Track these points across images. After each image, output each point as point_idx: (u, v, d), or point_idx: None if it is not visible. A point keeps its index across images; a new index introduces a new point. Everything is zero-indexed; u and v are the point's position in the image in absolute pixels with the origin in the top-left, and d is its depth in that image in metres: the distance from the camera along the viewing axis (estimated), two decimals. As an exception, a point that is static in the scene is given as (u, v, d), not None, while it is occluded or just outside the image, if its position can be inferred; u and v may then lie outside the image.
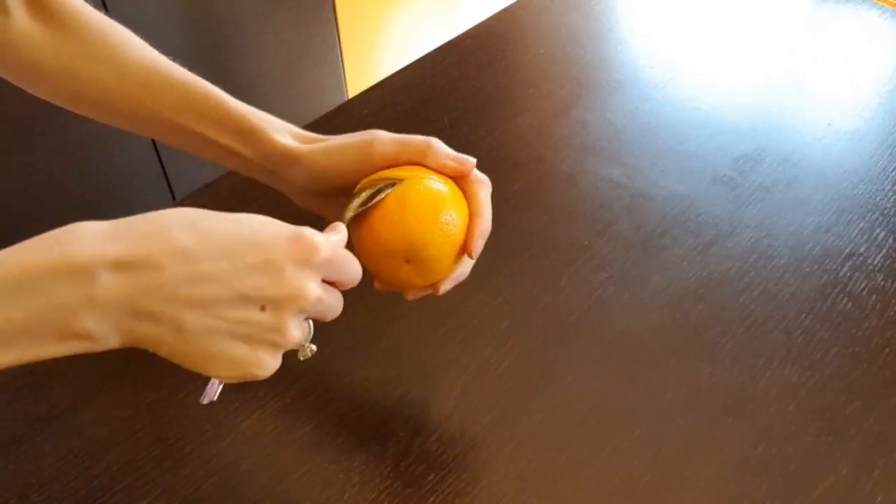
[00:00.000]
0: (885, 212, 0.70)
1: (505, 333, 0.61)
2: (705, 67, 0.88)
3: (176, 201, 0.73)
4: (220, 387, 0.45)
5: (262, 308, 0.39)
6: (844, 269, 0.65)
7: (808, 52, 0.91)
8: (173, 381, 0.58)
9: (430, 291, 0.51)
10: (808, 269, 0.65)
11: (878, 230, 0.68)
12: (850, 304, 0.62)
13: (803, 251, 0.67)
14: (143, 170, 1.36)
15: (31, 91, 0.55)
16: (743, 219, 0.70)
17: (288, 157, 0.52)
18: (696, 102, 0.83)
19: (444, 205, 0.48)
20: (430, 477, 0.53)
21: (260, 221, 0.41)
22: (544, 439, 0.54)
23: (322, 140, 0.53)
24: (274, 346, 0.41)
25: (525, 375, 0.58)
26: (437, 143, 0.50)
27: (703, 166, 0.75)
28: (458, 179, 0.50)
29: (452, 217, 0.48)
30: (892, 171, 0.74)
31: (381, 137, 0.50)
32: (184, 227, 0.38)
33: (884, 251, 0.66)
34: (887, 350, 0.59)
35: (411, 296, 0.52)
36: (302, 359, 0.45)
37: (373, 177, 0.49)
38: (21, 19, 0.52)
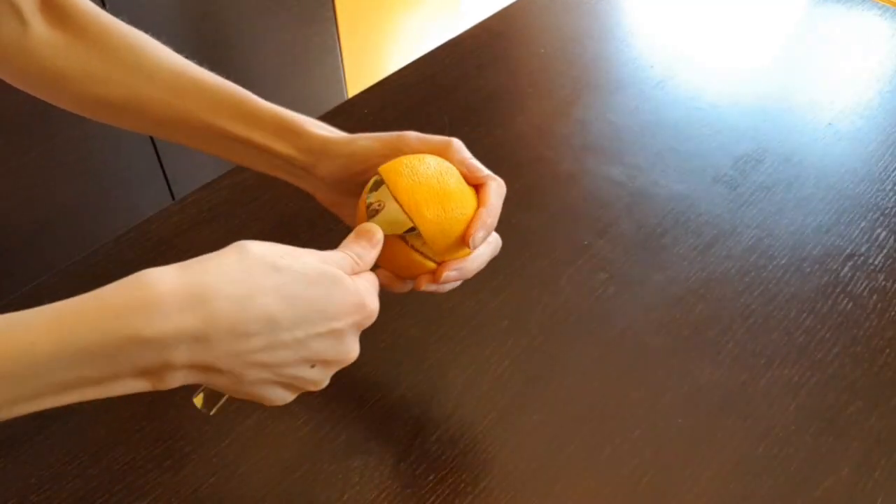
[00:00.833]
0: (886, 211, 0.70)
1: (505, 333, 0.61)
2: (706, 67, 0.88)
3: (175, 201, 0.73)
4: (225, 399, 0.45)
5: (312, 366, 0.42)
6: (845, 269, 0.65)
7: (808, 52, 0.91)
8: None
9: (432, 283, 0.51)
10: (808, 269, 0.65)
11: (878, 230, 0.68)
12: (850, 305, 0.62)
13: (804, 251, 0.67)
14: (142, 170, 1.36)
15: (54, 101, 0.55)
16: (743, 218, 0.70)
17: (325, 147, 0.52)
18: (696, 102, 0.83)
19: (447, 192, 0.48)
20: (430, 477, 0.53)
21: (332, 281, 0.41)
22: (544, 439, 0.54)
23: (353, 136, 0.54)
24: (302, 391, 0.44)
25: (525, 375, 0.58)
26: (457, 144, 0.51)
27: (703, 166, 0.75)
28: (471, 180, 0.51)
29: (456, 203, 0.48)
30: (893, 170, 0.74)
31: (410, 135, 0.51)
32: (272, 293, 0.38)
33: (885, 251, 0.66)
34: (888, 350, 0.59)
35: (417, 284, 0.51)
36: None
37: (383, 168, 0.50)
38: (39, 28, 0.52)
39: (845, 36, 0.93)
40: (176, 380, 0.37)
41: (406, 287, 0.51)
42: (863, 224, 0.69)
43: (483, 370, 0.58)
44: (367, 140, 0.52)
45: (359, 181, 0.51)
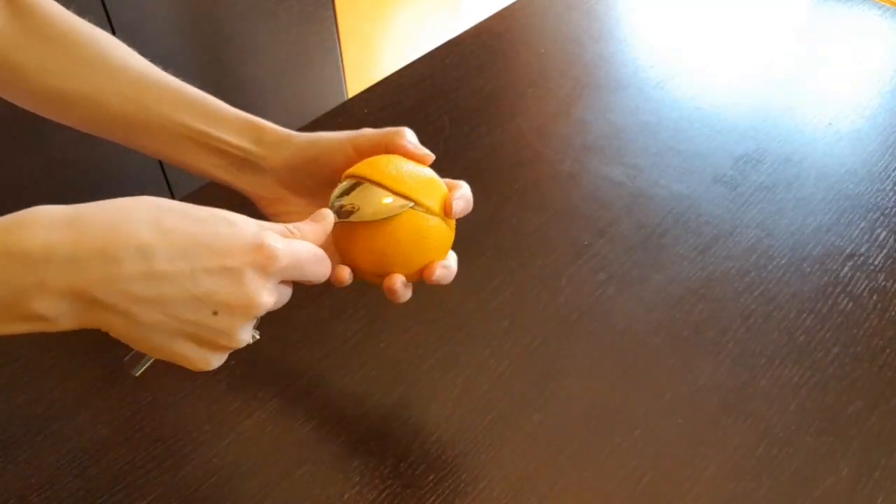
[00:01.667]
0: (886, 211, 0.70)
1: (505, 333, 0.61)
2: (706, 67, 0.88)
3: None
4: (150, 362, 0.43)
5: (215, 313, 0.39)
6: (845, 269, 0.65)
7: (808, 52, 0.91)
8: (173, 381, 0.58)
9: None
10: (808, 269, 0.65)
11: (878, 230, 0.68)
12: (850, 304, 0.62)
13: (804, 251, 0.67)
14: (143, 170, 1.36)
15: (6, 95, 0.55)
16: (744, 218, 0.70)
17: (284, 141, 0.53)
18: (696, 102, 0.83)
19: (403, 233, 0.47)
20: (430, 477, 0.52)
21: (225, 221, 0.40)
22: (544, 439, 0.54)
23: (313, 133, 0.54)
24: (221, 348, 0.41)
25: (525, 375, 0.58)
26: (406, 131, 0.51)
27: (703, 166, 0.75)
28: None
29: (433, 220, 0.47)
30: (893, 170, 0.74)
31: (365, 132, 0.51)
32: (146, 222, 0.37)
33: (885, 251, 0.66)
34: (888, 350, 0.59)
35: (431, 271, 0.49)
36: (250, 341, 0.43)
37: (355, 169, 0.49)
38: (1, 24, 0.52)
39: (845, 36, 0.93)
40: (61, 313, 0.37)
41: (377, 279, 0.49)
42: (863, 224, 0.69)
43: (483, 370, 0.58)
44: (322, 136, 0.52)
45: (311, 172, 0.52)
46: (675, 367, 0.58)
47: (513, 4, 0.99)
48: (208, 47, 1.36)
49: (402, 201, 0.46)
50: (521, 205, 0.71)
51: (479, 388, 0.57)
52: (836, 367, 0.58)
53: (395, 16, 2.00)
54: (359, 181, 0.48)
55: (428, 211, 0.47)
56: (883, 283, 0.64)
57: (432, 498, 0.51)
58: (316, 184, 0.52)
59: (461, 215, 0.48)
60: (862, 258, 0.66)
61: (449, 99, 0.84)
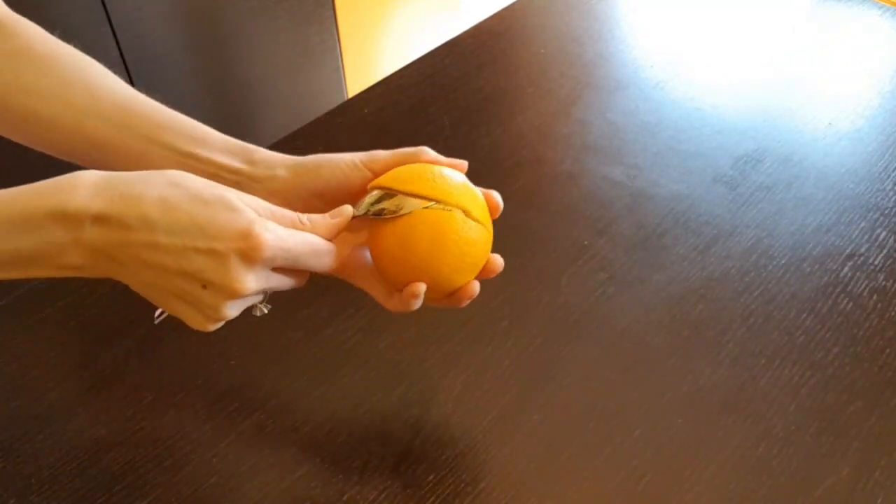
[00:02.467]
0: (886, 212, 0.70)
1: (505, 333, 0.61)
2: (706, 67, 0.88)
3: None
4: (165, 315, 0.47)
5: (204, 286, 0.43)
6: (845, 270, 0.65)
7: (808, 52, 0.91)
8: (173, 381, 0.58)
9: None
10: (808, 269, 0.65)
11: (879, 230, 0.68)
12: (850, 305, 0.62)
13: (804, 251, 0.67)
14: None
15: None
16: (743, 218, 0.70)
17: (277, 160, 0.52)
18: (696, 102, 0.83)
19: (451, 234, 0.46)
20: (430, 477, 0.52)
21: (226, 206, 0.42)
22: (544, 439, 0.54)
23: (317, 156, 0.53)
24: (212, 318, 0.44)
25: (525, 375, 0.58)
26: (428, 151, 0.50)
27: (703, 166, 0.75)
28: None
29: (467, 237, 0.46)
30: (893, 170, 0.74)
31: (378, 154, 0.51)
32: (156, 197, 0.42)
33: (885, 251, 0.66)
34: (888, 350, 0.59)
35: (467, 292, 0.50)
36: (257, 315, 0.46)
37: (383, 180, 0.48)
38: None
39: (846, 35, 0.93)
40: (88, 265, 0.43)
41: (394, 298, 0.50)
42: (863, 224, 0.69)
43: (483, 370, 0.58)
44: (338, 157, 0.52)
45: (321, 194, 0.51)
46: (675, 367, 0.58)
47: (513, 4, 0.99)
48: (208, 47, 1.36)
49: (447, 206, 0.46)
50: (521, 205, 0.71)
51: (479, 388, 0.57)
52: (836, 367, 0.58)
53: (394, 16, 2.00)
54: (390, 192, 0.47)
55: (470, 216, 0.46)
56: (883, 283, 0.64)
57: (432, 498, 0.51)
58: (328, 205, 0.51)
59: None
60: (862, 258, 0.66)
61: (449, 99, 0.84)
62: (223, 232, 0.42)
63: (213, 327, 0.45)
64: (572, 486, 0.52)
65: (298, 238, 0.44)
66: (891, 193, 0.72)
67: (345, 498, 0.52)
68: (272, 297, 0.46)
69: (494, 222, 0.50)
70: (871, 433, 0.54)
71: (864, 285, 0.64)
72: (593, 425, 0.55)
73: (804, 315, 0.62)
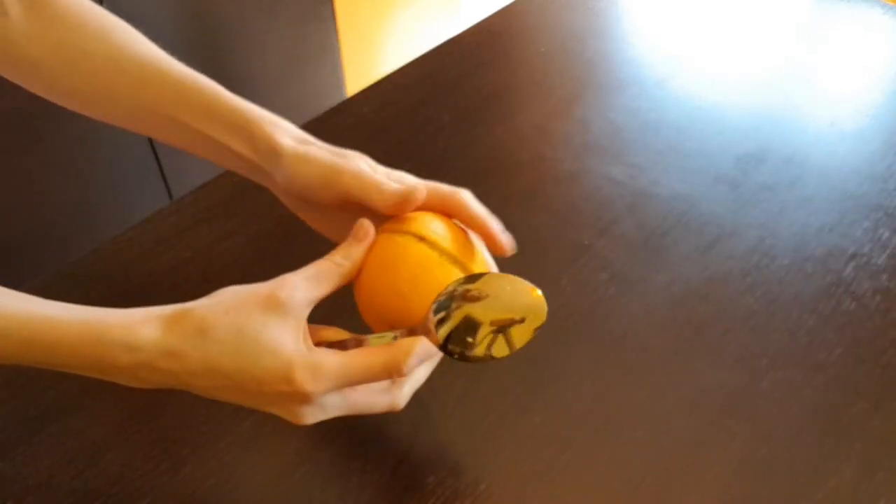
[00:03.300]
0: (890, 211, 0.69)
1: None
2: (708, 66, 0.88)
3: (173, 201, 0.73)
4: None
5: (273, 407, 0.44)
6: (848, 270, 0.65)
7: (811, 51, 0.90)
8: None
9: None
10: (811, 270, 0.65)
11: (882, 230, 0.68)
12: (853, 305, 0.62)
13: (807, 251, 0.66)
14: (140, 170, 1.36)
15: (28, 87, 0.55)
16: (746, 218, 0.69)
17: (273, 153, 0.50)
18: (698, 101, 0.83)
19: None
20: (430, 479, 0.52)
21: (258, 351, 0.42)
22: (545, 440, 0.54)
23: (313, 144, 0.51)
24: (296, 422, 0.44)
25: (525, 376, 0.58)
26: (466, 197, 0.47)
27: (705, 165, 0.75)
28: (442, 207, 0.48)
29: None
30: (896, 170, 0.74)
31: (351, 171, 0.48)
32: (199, 357, 0.42)
33: (888, 251, 0.66)
34: (891, 351, 0.59)
35: None
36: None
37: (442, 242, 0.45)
38: (18, 17, 0.52)
39: (848, 34, 0.92)
40: (157, 383, 0.45)
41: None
42: (866, 224, 0.68)
43: (483, 371, 0.58)
44: (309, 157, 0.49)
45: (302, 196, 0.50)
46: (677, 368, 0.58)
47: (513, 3, 0.99)
48: (208, 46, 1.36)
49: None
50: (521, 205, 0.71)
51: (480, 389, 0.57)
52: (838, 368, 0.58)
53: (394, 15, 1.99)
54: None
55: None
56: (886, 284, 0.63)
57: (432, 499, 0.51)
58: (309, 199, 0.50)
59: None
60: (865, 258, 0.65)
61: (449, 98, 0.83)
62: (263, 377, 0.42)
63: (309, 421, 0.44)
64: (573, 488, 0.52)
65: (345, 367, 0.42)
66: (894, 193, 0.71)
67: (345, 498, 0.51)
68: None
69: None
70: (874, 435, 0.54)
71: (867, 285, 0.63)
72: (594, 426, 0.55)
73: (807, 315, 0.61)
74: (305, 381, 0.41)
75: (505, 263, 0.66)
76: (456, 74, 0.86)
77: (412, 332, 0.43)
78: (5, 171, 1.19)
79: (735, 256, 0.66)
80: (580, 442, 0.54)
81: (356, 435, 0.55)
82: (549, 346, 0.60)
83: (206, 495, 0.52)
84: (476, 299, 0.42)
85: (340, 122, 0.81)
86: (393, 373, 0.43)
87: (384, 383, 0.46)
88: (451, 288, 0.42)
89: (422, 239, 0.44)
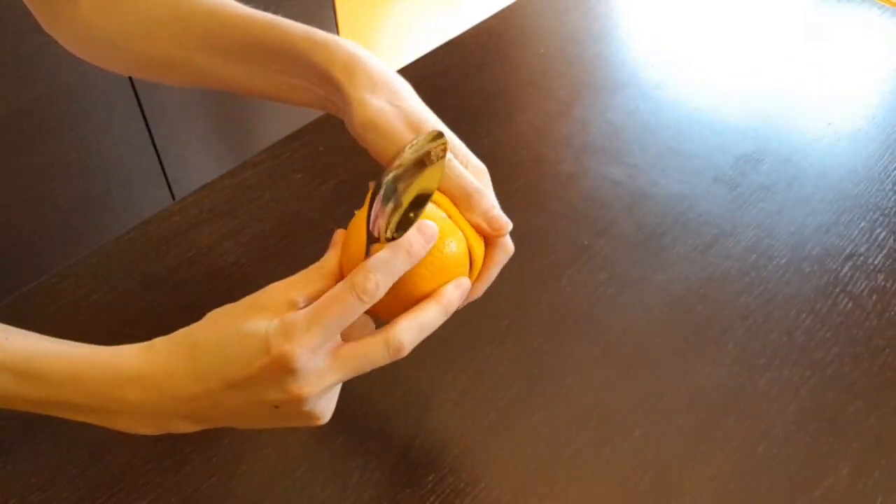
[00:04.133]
0: (886, 211, 0.70)
1: (505, 333, 0.61)
2: (706, 67, 0.88)
3: (175, 201, 0.73)
4: None
5: (276, 407, 0.41)
6: (845, 269, 0.65)
7: (808, 52, 0.91)
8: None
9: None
10: (808, 269, 0.65)
11: (878, 230, 0.68)
12: (850, 304, 0.62)
13: (804, 251, 0.67)
14: (142, 170, 1.36)
15: (113, 68, 0.58)
16: (743, 218, 0.70)
17: (347, 105, 0.49)
18: (696, 102, 0.83)
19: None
20: (430, 477, 0.53)
21: (234, 336, 0.40)
22: (544, 439, 0.54)
23: (387, 106, 0.48)
24: (311, 420, 0.43)
25: (525, 375, 0.58)
26: (482, 197, 0.46)
27: (703, 166, 0.75)
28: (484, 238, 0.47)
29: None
30: (893, 170, 0.74)
31: (453, 163, 0.46)
32: (189, 376, 0.41)
33: (884, 251, 0.66)
34: (888, 350, 0.59)
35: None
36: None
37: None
38: (87, 3, 0.54)
39: (845, 36, 0.93)
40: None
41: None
42: (862, 224, 0.69)
43: (483, 370, 0.58)
44: (366, 118, 0.47)
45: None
46: (675, 367, 0.58)
47: (512, 5, 0.99)
48: (208, 47, 1.36)
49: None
50: (520, 205, 0.71)
51: (479, 388, 0.57)
52: (835, 367, 0.58)
53: (394, 16, 2.00)
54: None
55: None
56: (882, 283, 0.64)
57: (432, 498, 0.51)
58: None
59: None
60: (862, 258, 0.66)
61: (449, 99, 0.84)
62: (245, 360, 0.40)
63: (322, 422, 0.43)
64: (572, 486, 0.52)
65: (314, 310, 0.40)
66: (890, 193, 0.72)
67: (345, 497, 0.52)
68: None
69: None
70: (870, 433, 0.54)
71: (863, 285, 0.64)
72: (593, 425, 0.55)
73: (804, 315, 0.62)
74: (280, 343, 0.39)
75: (505, 264, 0.66)
76: (456, 75, 0.87)
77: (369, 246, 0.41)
78: (9, 171, 1.19)
79: (733, 256, 0.66)
80: (580, 440, 0.54)
81: (356, 434, 0.55)
82: (549, 345, 0.60)
83: (208, 493, 0.52)
84: (422, 165, 0.41)
85: (341, 124, 0.81)
86: (359, 291, 0.40)
87: (373, 329, 0.44)
88: (388, 175, 0.40)
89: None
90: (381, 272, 0.40)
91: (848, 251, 0.66)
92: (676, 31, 0.95)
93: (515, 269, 0.66)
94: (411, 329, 0.43)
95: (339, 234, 0.45)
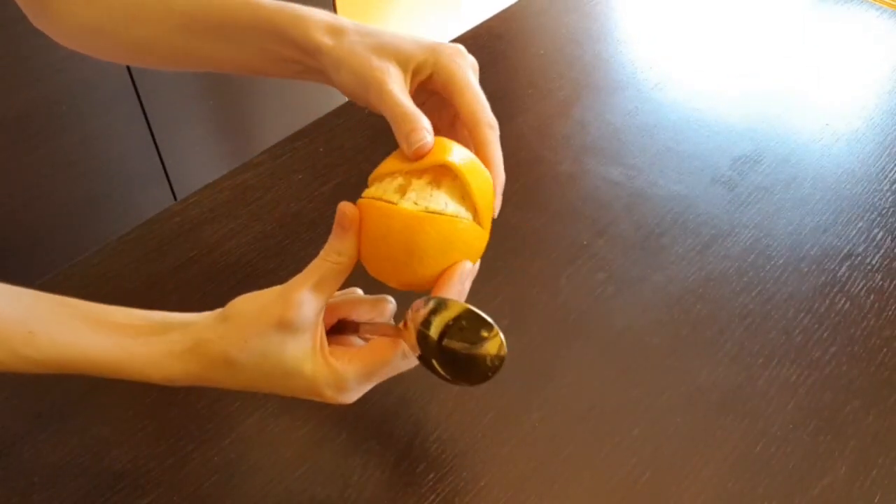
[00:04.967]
0: (883, 212, 0.70)
1: (505, 333, 0.61)
2: (704, 68, 0.89)
3: (177, 201, 0.73)
4: None
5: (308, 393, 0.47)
6: (843, 269, 0.65)
7: (806, 53, 0.91)
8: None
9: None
10: (806, 269, 0.65)
11: (876, 230, 0.68)
12: (848, 304, 0.63)
13: (802, 251, 0.67)
14: (143, 170, 1.36)
15: (102, 56, 0.58)
16: (742, 219, 0.70)
17: (318, 51, 0.50)
18: (695, 103, 0.83)
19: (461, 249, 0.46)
20: (430, 476, 0.53)
21: (283, 372, 0.45)
22: (544, 438, 0.55)
23: (347, 35, 0.50)
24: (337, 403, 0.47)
25: (524, 375, 0.58)
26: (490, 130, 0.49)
27: (701, 166, 0.75)
28: (467, 129, 0.49)
29: (475, 249, 0.46)
30: (891, 171, 0.74)
31: (377, 91, 0.48)
32: (229, 380, 0.46)
33: (882, 251, 0.67)
34: (885, 349, 0.59)
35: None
36: None
37: (391, 167, 0.46)
38: None
39: (843, 37, 0.93)
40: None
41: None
42: (860, 224, 0.69)
43: (483, 369, 0.59)
44: (345, 63, 0.49)
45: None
46: (674, 367, 0.59)
47: (513, 5, 0.99)
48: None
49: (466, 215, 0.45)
50: (520, 205, 0.71)
51: (479, 387, 0.57)
52: (833, 366, 0.58)
53: (395, 17, 2.00)
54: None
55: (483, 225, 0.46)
56: (880, 283, 0.64)
57: (432, 497, 0.52)
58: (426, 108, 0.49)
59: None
60: (859, 258, 0.66)
61: (449, 100, 0.84)
62: (291, 389, 0.46)
63: (350, 400, 0.48)
64: (571, 485, 0.52)
65: (365, 371, 0.46)
66: (888, 194, 0.72)
67: (345, 496, 0.52)
68: None
69: (494, 221, 0.50)
70: (868, 432, 0.54)
71: (861, 285, 0.64)
72: (592, 424, 0.55)
73: (802, 314, 0.62)
74: (333, 396, 0.46)
75: (504, 264, 0.67)
76: (455, 76, 0.87)
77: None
78: (11, 172, 1.20)
79: (731, 256, 0.67)
80: (578, 439, 0.54)
81: (357, 433, 0.55)
82: (548, 344, 0.60)
83: (210, 491, 0.52)
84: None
85: (341, 125, 0.82)
86: (408, 358, 0.46)
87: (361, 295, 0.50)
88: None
89: (405, 195, 0.44)
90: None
91: (846, 251, 0.67)
92: (675, 33, 0.95)
93: (515, 269, 0.66)
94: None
95: (345, 215, 0.45)
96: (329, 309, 0.48)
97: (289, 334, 0.43)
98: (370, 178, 0.47)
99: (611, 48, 0.93)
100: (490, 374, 0.44)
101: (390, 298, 0.50)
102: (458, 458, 0.54)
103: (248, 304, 0.45)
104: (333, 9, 1.52)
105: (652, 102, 0.83)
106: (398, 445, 0.54)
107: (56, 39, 0.59)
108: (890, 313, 0.62)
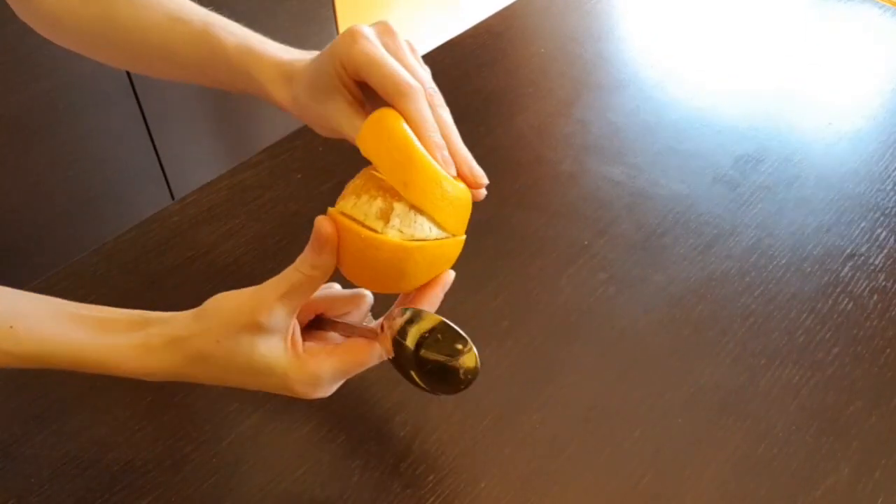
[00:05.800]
0: (887, 211, 0.70)
1: (505, 333, 0.61)
2: (706, 67, 0.88)
3: (175, 201, 0.73)
4: None
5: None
6: (846, 269, 0.65)
7: (809, 52, 0.91)
8: (174, 381, 0.58)
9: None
10: (809, 269, 0.65)
11: (879, 230, 0.68)
12: (851, 304, 0.62)
13: (804, 251, 0.67)
14: (142, 170, 1.36)
15: (72, 48, 0.59)
16: (744, 218, 0.70)
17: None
18: (696, 102, 0.83)
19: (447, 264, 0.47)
20: (430, 477, 0.52)
21: (254, 369, 0.46)
22: (544, 439, 0.54)
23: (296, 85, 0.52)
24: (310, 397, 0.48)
25: (525, 375, 0.58)
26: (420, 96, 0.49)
27: (703, 166, 0.75)
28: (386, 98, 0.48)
29: (451, 259, 0.47)
30: (894, 170, 0.74)
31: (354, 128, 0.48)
32: (201, 375, 0.47)
33: (885, 251, 0.66)
34: (888, 350, 0.59)
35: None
36: None
37: (366, 178, 0.45)
38: None
39: (845, 35, 0.93)
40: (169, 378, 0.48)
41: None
42: (863, 224, 0.69)
43: (483, 370, 0.58)
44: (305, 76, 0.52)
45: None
46: (675, 367, 0.58)
47: (512, 4, 0.99)
48: (208, 47, 1.36)
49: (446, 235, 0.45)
50: (521, 205, 0.71)
51: (479, 388, 0.57)
52: (836, 367, 0.58)
53: (394, 16, 2.00)
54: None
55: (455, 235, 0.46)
56: (883, 283, 0.64)
57: (432, 498, 0.51)
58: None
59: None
60: (862, 258, 0.66)
61: (449, 99, 0.83)
62: (262, 383, 0.47)
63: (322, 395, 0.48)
64: (572, 486, 0.52)
65: (340, 369, 0.47)
66: (891, 193, 0.72)
67: (344, 497, 0.52)
68: None
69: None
70: (871, 433, 0.54)
71: (864, 285, 0.64)
72: (593, 425, 0.55)
73: (804, 315, 0.62)
74: (306, 392, 0.46)
75: (504, 264, 0.67)
76: (456, 75, 0.87)
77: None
78: (8, 171, 1.19)
79: (733, 256, 0.66)
80: (579, 440, 0.54)
81: (356, 434, 0.55)
82: (549, 345, 0.60)
83: (208, 493, 0.52)
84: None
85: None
86: (382, 358, 0.47)
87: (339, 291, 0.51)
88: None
89: (388, 221, 0.43)
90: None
91: (849, 251, 0.66)
92: (677, 31, 0.95)
93: (516, 269, 0.66)
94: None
95: (322, 233, 0.43)
96: (306, 304, 0.48)
97: (259, 336, 0.44)
98: (347, 187, 0.46)
99: (612, 47, 0.92)
100: (462, 386, 0.46)
101: (367, 293, 0.50)
102: (458, 459, 0.53)
103: (222, 303, 0.46)
104: (333, 9, 1.52)
105: (653, 101, 0.83)
106: (398, 446, 0.54)
107: (41, 33, 0.59)
108: (893, 314, 0.61)
